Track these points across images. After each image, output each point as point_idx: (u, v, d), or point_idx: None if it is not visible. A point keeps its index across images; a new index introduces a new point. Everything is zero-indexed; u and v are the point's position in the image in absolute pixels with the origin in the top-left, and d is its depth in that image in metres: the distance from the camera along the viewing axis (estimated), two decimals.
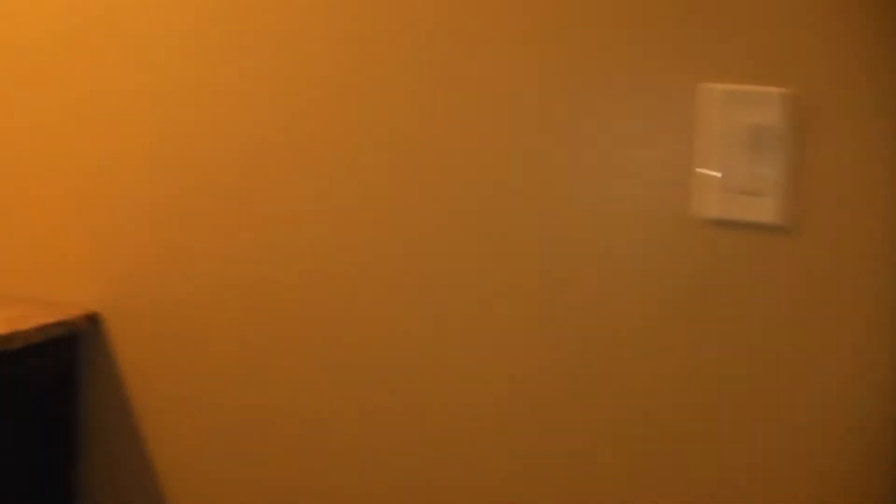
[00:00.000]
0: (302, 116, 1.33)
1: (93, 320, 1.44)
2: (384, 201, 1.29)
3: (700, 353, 1.16)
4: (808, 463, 1.13)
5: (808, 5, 1.10)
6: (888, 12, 1.07)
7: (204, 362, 1.40)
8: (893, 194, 1.08)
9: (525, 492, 1.25)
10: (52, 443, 1.42)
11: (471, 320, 1.26)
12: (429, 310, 1.28)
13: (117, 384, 1.45)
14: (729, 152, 1.13)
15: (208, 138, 1.38)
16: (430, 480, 1.29)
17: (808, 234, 1.11)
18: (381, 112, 1.29)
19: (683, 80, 1.14)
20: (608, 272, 1.19)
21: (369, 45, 1.28)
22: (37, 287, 1.48)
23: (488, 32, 1.23)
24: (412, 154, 1.28)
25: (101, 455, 1.46)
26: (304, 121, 1.32)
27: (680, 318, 1.16)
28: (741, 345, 1.14)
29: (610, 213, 1.19)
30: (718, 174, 1.13)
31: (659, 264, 1.17)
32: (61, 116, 1.45)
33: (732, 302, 1.14)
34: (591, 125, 1.19)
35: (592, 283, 1.20)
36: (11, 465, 1.35)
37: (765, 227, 1.12)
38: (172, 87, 1.39)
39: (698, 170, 1.14)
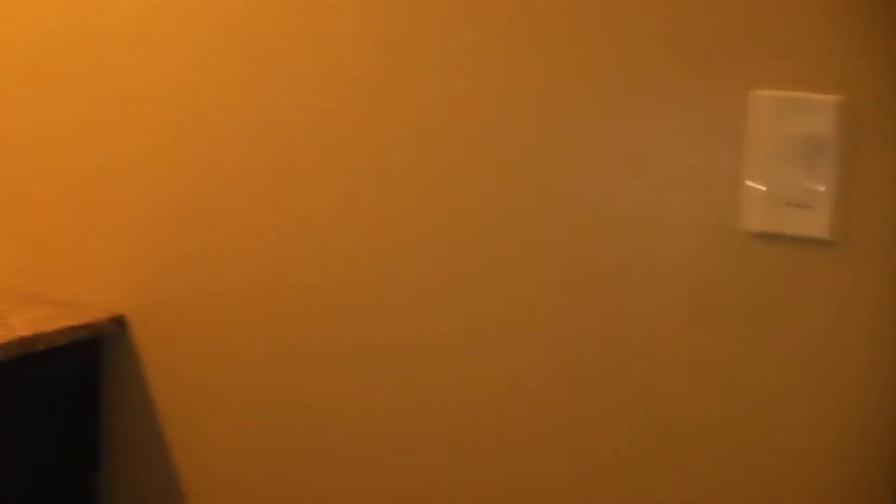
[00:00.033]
0: (330, 116, 1.30)
1: (118, 323, 1.43)
2: (412, 202, 1.27)
3: (742, 365, 1.12)
4: (840, 471, 1.09)
5: (863, 10, 1.05)
6: None
7: (229, 364, 1.39)
8: None
9: (543, 492, 1.22)
10: (76, 445, 1.42)
11: (503, 322, 1.23)
12: (459, 311, 1.25)
13: (142, 387, 1.44)
14: (778, 163, 1.08)
15: (236, 138, 1.36)
16: (463, 480, 1.26)
17: (856, 250, 1.07)
18: (410, 112, 1.26)
19: (733, 87, 1.10)
20: (650, 280, 1.16)
21: (398, 45, 1.26)
22: (61, 289, 1.48)
23: (529, 34, 1.19)
24: (442, 154, 1.25)
25: (124, 458, 1.46)
26: (333, 121, 1.30)
27: (716, 329, 1.13)
28: (787, 357, 1.10)
29: (653, 221, 1.15)
30: (765, 186, 1.09)
31: (701, 275, 1.13)
32: (90, 113, 1.45)
33: (777, 317, 1.10)
34: (637, 132, 1.15)
35: (636, 291, 1.16)
36: (35, 467, 1.35)
37: (812, 240, 1.08)
38: (201, 87, 1.38)
39: (746, 182, 1.10)
